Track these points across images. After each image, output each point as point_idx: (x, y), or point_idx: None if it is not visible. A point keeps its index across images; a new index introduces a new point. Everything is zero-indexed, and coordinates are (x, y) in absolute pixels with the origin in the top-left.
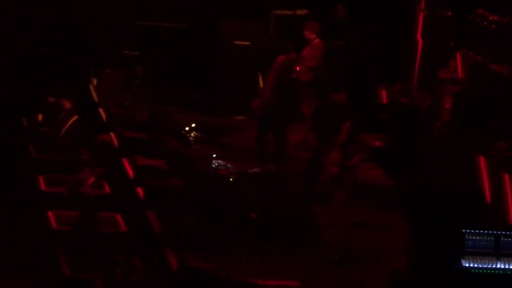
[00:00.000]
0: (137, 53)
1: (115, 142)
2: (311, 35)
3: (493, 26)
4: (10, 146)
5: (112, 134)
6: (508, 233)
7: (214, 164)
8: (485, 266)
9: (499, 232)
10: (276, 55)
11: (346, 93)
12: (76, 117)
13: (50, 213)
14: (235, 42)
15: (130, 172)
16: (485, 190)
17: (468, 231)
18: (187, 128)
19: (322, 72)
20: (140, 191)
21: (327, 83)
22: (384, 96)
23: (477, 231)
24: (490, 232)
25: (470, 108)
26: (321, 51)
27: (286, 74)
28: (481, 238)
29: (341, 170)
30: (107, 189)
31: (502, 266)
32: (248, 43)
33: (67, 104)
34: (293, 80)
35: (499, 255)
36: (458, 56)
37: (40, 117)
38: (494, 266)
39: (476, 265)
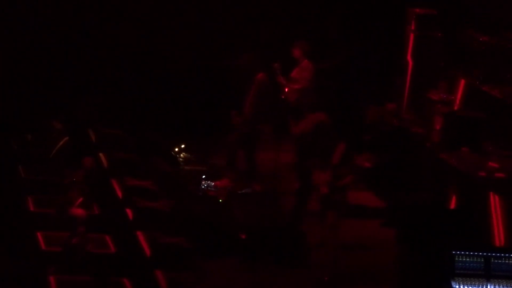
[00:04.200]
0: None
1: (105, 163)
2: (301, 55)
3: (483, 47)
4: None
5: (101, 155)
6: (498, 255)
7: (203, 185)
8: None
9: (489, 254)
10: (255, 72)
11: (324, 112)
12: (66, 138)
13: (39, 234)
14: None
15: (119, 193)
16: (475, 211)
17: (458, 252)
18: (176, 149)
19: (311, 92)
20: (129, 212)
21: (314, 103)
22: (374, 117)
23: (467, 252)
24: (480, 253)
25: (460, 129)
26: (310, 72)
27: (265, 92)
28: (471, 259)
29: (332, 191)
30: (96, 210)
31: None
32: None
33: (58, 125)
34: (282, 101)
35: (489, 277)
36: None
37: (30, 137)
38: None
39: (466, 287)
